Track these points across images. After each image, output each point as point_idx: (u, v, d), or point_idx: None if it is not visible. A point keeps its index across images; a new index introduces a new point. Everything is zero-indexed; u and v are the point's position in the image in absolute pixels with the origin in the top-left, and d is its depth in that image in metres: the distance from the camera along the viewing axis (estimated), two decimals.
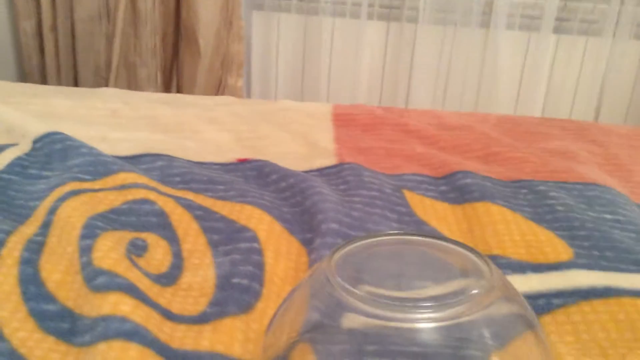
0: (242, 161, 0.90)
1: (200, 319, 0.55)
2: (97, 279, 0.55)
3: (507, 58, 1.85)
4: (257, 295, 0.59)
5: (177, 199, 0.74)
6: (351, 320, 0.45)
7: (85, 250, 0.60)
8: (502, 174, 0.90)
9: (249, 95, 1.97)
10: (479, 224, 0.76)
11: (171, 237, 0.68)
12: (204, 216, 0.72)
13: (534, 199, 0.82)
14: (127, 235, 0.66)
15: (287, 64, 1.94)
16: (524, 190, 0.85)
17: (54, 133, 0.87)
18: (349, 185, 0.83)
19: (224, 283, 0.60)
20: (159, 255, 0.64)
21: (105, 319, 0.51)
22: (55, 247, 0.63)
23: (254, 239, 0.68)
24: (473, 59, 1.85)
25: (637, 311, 0.58)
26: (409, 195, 0.83)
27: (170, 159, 0.87)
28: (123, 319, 0.50)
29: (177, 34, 1.79)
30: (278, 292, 0.61)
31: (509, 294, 0.46)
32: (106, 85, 1.75)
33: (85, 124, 1.00)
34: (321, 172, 0.89)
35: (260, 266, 0.63)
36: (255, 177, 0.86)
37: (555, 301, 0.61)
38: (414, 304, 0.45)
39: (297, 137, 1.03)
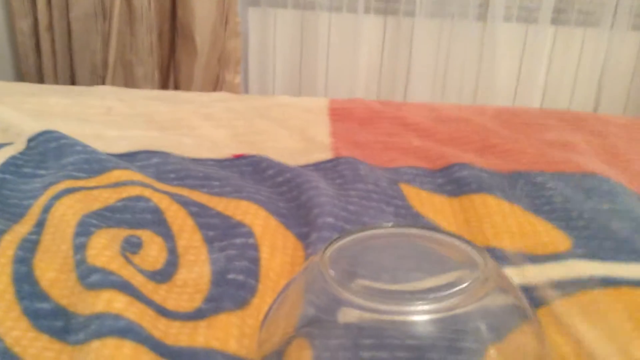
0: (238, 157, 0.90)
1: (196, 315, 0.55)
2: (91, 277, 0.55)
3: (505, 50, 1.84)
4: (252, 291, 0.59)
5: (173, 196, 0.74)
6: (347, 314, 0.45)
7: (80, 248, 0.60)
8: (500, 165, 0.90)
9: (246, 92, 1.96)
10: (476, 216, 0.76)
11: (166, 234, 0.67)
12: (199, 212, 0.72)
13: (532, 190, 0.82)
14: (122, 233, 0.66)
15: (284, 60, 1.93)
16: (522, 182, 0.85)
17: (49, 131, 0.87)
18: (345, 179, 0.83)
19: (219, 279, 0.60)
20: (154, 252, 0.64)
21: (99, 316, 0.50)
22: (49, 245, 0.63)
23: (250, 234, 0.67)
24: (471, 51, 1.85)
25: (636, 301, 0.58)
26: (405, 189, 0.83)
27: (165, 155, 0.87)
28: (117, 317, 0.50)
29: (174, 31, 1.78)
30: (274, 287, 0.60)
31: (504, 285, 0.46)
32: (103, 84, 1.75)
33: (81, 122, 1.00)
34: (317, 166, 0.89)
35: (255, 261, 0.63)
36: (251, 172, 0.86)
37: (554, 292, 0.61)
38: (409, 296, 0.44)
39: (294, 132, 1.02)
